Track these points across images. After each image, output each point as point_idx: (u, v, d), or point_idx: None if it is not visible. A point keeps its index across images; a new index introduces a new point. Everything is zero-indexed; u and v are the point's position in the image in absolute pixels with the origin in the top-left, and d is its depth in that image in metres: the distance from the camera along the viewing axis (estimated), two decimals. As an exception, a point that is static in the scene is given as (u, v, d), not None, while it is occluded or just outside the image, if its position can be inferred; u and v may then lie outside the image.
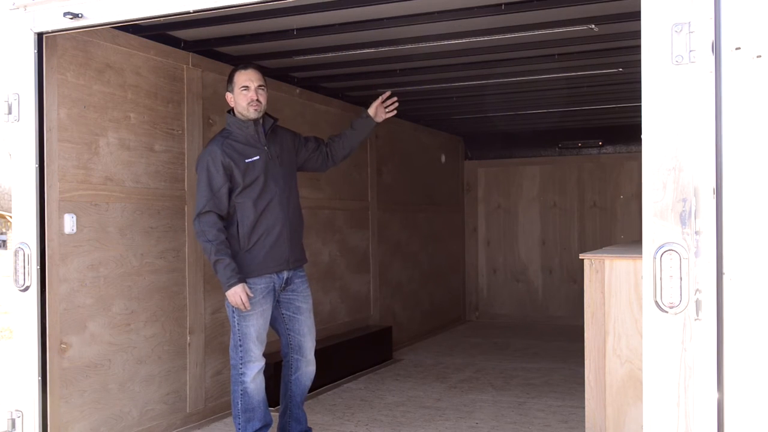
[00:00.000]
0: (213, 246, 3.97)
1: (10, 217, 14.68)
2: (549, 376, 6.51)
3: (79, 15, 3.71)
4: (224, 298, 5.28)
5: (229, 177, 4.04)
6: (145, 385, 4.63)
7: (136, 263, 4.58)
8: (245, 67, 4.19)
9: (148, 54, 4.70)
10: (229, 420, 5.13)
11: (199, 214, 4.03)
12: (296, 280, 4.26)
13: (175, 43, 4.96)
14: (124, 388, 4.47)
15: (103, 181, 4.37)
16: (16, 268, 3.89)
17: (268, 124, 4.21)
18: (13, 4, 3.85)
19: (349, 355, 6.54)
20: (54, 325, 3.99)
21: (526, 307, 9.84)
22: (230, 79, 4.18)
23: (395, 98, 4.45)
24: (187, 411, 4.97)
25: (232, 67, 5.36)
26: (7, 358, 7.80)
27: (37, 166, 3.87)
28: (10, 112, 3.87)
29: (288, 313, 4.26)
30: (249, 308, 4.00)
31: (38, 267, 3.87)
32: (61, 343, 4.05)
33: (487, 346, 8.14)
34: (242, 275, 4.00)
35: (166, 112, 4.85)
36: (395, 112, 4.49)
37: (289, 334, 4.29)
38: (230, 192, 4.06)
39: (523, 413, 5.32)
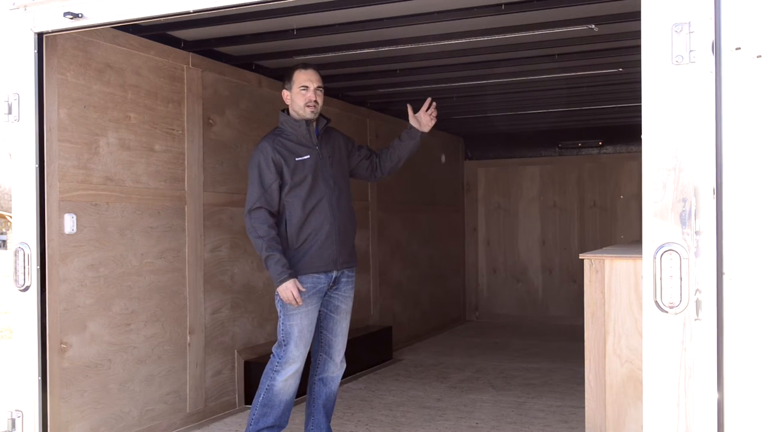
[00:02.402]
0: (264, 242, 3.94)
1: (10, 217, 14.68)
2: (549, 376, 6.51)
3: (79, 15, 3.70)
4: (225, 297, 5.32)
5: (279, 174, 4.02)
6: (145, 385, 4.63)
7: (136, 263, 4.58)
8: (305, 67, 4.16)
9: (148, 54, 4.70)
10: (229, 420, 5.13)
11: (249, 211, 4.00)
12: (343, 279, 4.19)
13: (175, 43, 4.96)
14: (124, 388, 4.47)
15: (103, 181, 4.37)
16: (16, 268, 3.89)
17: (321, 124, 4.20)
18: (13, 4, 3.84)
19: (349, 355, 6.51)
20: (54, 325, 3.99)
21: (526, 307, 9.84)
22: (289, 77, 4.15)
23: (434, 104, 4.31)
24: (187, 411, 4.97)
25: (236, 66, 5.46)
26: (7, 358, 7.80)
27: (37, 166, 3.87)
28: (10, 112, 3.87)
29: (325, 310, 4.19)
30: (301, 303, 3.95)
31: (38, 267, 3.87)
32: (61, 343, 4.05)
33: (487, 346, 8.14)
34: (293, 271, 3.95)
35: (166, 112, 4.85)
36: (434, 120, 4.32)
37: (321, 332, 4.22)
38: (281, 189, 4.03)
39: (523, 413, 5.32)
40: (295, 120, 4.13)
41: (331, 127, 4.34)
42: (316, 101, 4.11)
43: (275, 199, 4.02)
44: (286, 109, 4.21)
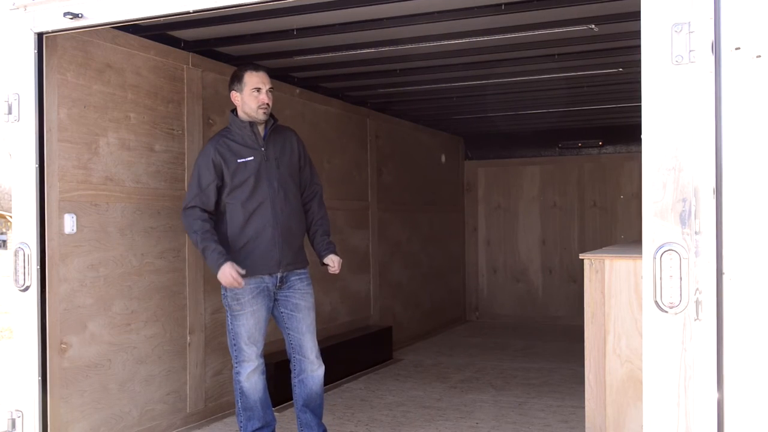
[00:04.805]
0: (199, 235, 4.01)
1: (10, 217, 14.69)
2: (549, 376, 6.51)
3: (79, 15, 3.70)
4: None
5: (219, 175, 4.07)
6: (145, 385, 4.63)
7: (136, 263, 4.58)
8: (256, 69, 4.16)
9: (148, 54, 4.70)
10: (229, 420, 5.13)
11: (185, 209, 4.09)
12: (293, 278, 4.20)
13: (175, 43, 4.96)
14: (124, 388, 4.47)
15: (103, 181, 4.37)
16: (16, 268, 3.89)
17: (269, 124, 4.19)
18: (13, 4, 3.85)
19: (349, 355, 6.54)
20: (54, 325, 3.99)
21: (526, 307, 9.84)
22: (239, 79, 4.14)
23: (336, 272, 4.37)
24: (187, 411, 4.97)
25: (236, 66, 5.44)
26: (7, 358, 7.80)
27: (37, 166, 3.87)
28: (10, 112, 3.87)
29: (286, 311, 4.22)
30: (242, 284, 3.97)
31: (38, 267, 3.86)
32: (61, 343, 4.05)
33: (487, 346, 8.14)
34: (230, 255, 3.99)
35: (166, 112, 4.85)
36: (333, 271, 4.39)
37: (288, 333, 4.25)
38: (221, 190, 4.09)
39: (523, 413, 5.32)
40: (242, 121, 4.14)
41: (287, 128, 4.32)
42: (268, 103, 4.11)
43: (211, 199, 4.08)
44: (235, 109, 4.21)
